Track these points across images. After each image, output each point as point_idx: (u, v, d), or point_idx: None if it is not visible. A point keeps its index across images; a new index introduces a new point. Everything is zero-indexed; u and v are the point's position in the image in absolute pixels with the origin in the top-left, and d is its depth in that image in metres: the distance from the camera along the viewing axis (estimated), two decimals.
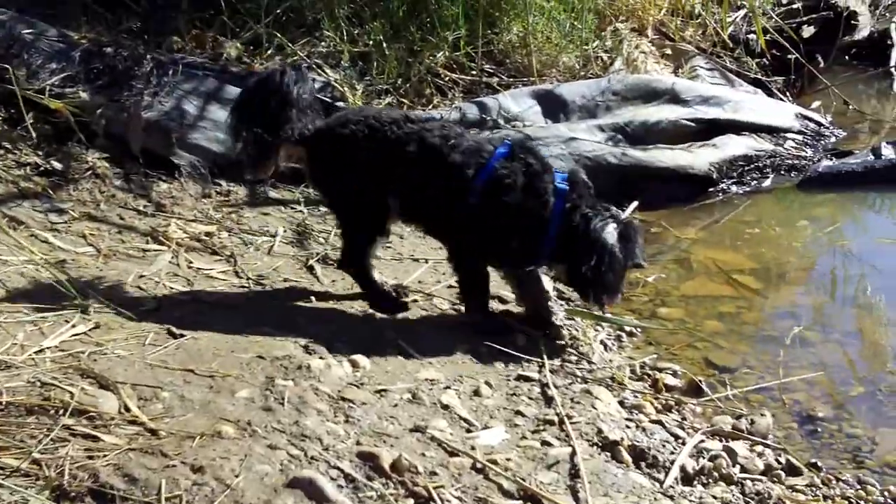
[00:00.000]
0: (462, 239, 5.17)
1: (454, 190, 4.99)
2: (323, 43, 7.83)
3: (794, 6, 10.88)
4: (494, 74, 8.34)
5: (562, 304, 5.79)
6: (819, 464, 4.34)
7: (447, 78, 8.09)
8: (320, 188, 5.55)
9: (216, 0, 7.81)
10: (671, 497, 3.82)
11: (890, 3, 13.07)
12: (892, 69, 10.93)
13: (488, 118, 7.48)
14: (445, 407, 4.27)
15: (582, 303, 5.65)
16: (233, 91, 6.94)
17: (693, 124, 8.10)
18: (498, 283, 5.50)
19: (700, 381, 4.96)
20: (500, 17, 8.40)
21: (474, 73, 8.21)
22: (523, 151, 5.06)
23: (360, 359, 4.59)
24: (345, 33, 7.86)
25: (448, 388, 4.46)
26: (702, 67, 9.30)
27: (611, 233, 4.94)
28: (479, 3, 8.23)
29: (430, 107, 7.73)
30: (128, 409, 3.83)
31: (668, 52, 9.59)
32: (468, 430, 4.13)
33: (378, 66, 7.74)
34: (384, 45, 7.81)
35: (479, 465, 3.79)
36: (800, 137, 8.55)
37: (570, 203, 4.96)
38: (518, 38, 8.47)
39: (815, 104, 9.68)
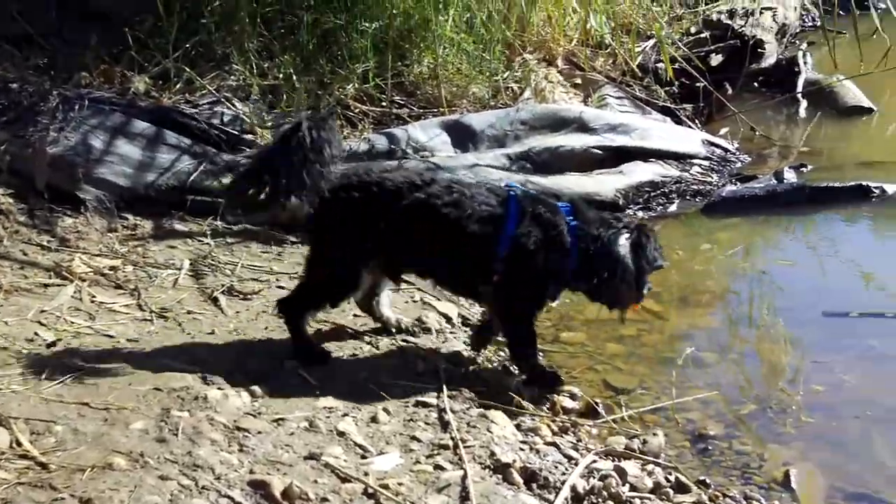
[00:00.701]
0: (497, 298, 5.22)
1: (478, 260, 5.08)
2: (232, 76, 7.88)
3: (703, 35, 11.07)
4: (405, 106, 8.42)
5: (465, 330, 5.86)
6: (708, 481, 4.44)
7: (357, 110, 8.16)
8: (313, 244, 5.40)
9: (124, 35, 7.82)
10: None
11: (798, 31, 13.42)
12: (799, 95, 11.16)
13: (397, 149, 7.55)
14: (342, 434, 4.33)
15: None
16: (140, 126, 7.00)
17: (600, 152, 8.24)
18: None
19: (597, 403, 5.05)
20: (410, 49, 8.50)
21: (384, 104, 8.30)
22: (530, 202, 5.13)
23: (259, 388, 4.63)
24: (254, 66, 7.93)
25: (346, 415, 4.52)
26: (611, 96, 9.46)
27: (622, 245, 5.11)
28: (389, 36, 8.34)
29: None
30: (19, 444, 3.84)
31: (579, 81, 9.72)
32: (363, 457, 4.19)
33: (288, 99, 7.80)
34: (294, 77, 7.88)
35: (370, 491, 3.86)
36: (706, 163, 8.74)
37: (581, 233, 5.09)
38: (428, 69, 8.57)
39: (723, 130, 9.89)
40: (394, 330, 5.56)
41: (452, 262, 5.17)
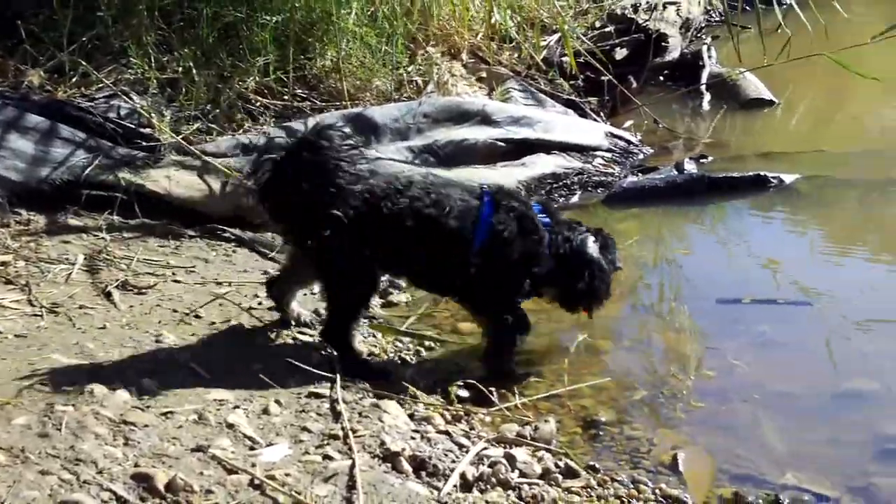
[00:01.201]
0: (472, 291, 5.34)
1: (457, 254, 5.18)
2: (130, 70, 7.78)
3: (608, 29, 11.23)
4: (307, 99, 8.39)
5: (364, 322, 5.84)
6: (597, 465, 4.47)
7: (258, 103, 8.10)
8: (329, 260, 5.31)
9: (18, 29, 7.68)
10: (444, 503, 3.89)
11: (703, 26, 13.60)
12: (703, 88, 11.32)
13: None
14: (231, 426, 4.29)
15: (384, 319, 5.77)
16: (34, 120, 6.88)
17: (504, 144, 8.29)
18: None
19: (491, 391, 5.05)
20: (312, 42, 8.46)
21: (286, 98, 8.25)
22: (504, 196, 5.30)
23: (148, 382, 4.59)
24: (153, 60, 7.83)
25: (237, 407, 4.49)
26: (515, 89, 9.51)
27: (593, 247, 5.38)
28: (291, 29, 8.29)
29: (240, 132, 7.73)
30: None
31: (484, 75, 9.77)
32: (252, 448, 4.15)
33: (187, 93, 7.72)
34: (194, 71, 7.80)
35: (256, 482, 3.83)
36: (609, 155, 8.84)
37: (553, 232, 5.32)
38: (331, 63, 8.54)
39: (627, 123, 10.02)
40: (293, 323, 5.54)
41: (434, 259, 5.26)
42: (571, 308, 5.58)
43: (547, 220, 5.35)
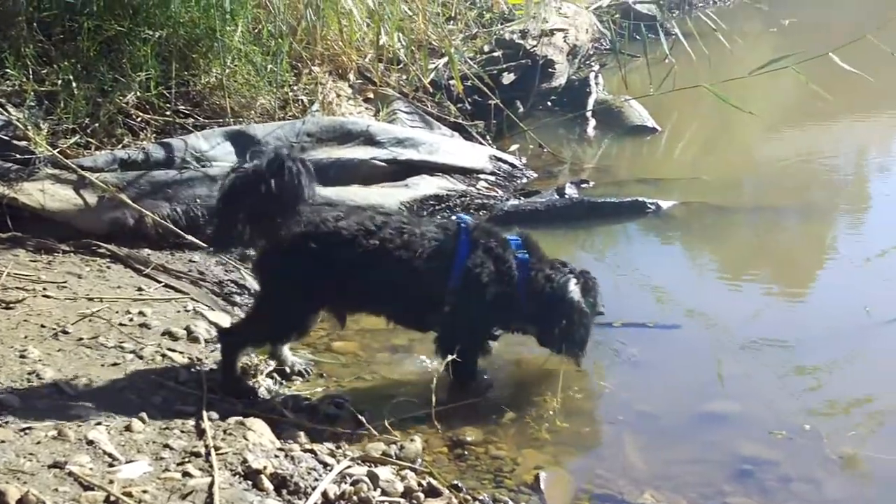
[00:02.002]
0: (446, 329, 5.37)
1: (431, 294, 5.22)
2: (7, 81, 7.64)
3: (496, 54, 11.32)
4: (190, 116, 8.32)
5: None
6: (460, 485, 4.51)
7: (139, 118, 8.02)
8: (269, 287, 5.40)
9: None
10: None
11: (592, 53, 13.82)
12: (588, 114, 11.49)
13: (177, 158, 7.44)
14: (91, 443, 4.24)
15: None
16: None
17: (387, 165, 8.32)
18: None
19: (362, 411, 5.07)
20: (196, 58, 8.40)
21: (168, 114, 8.17)
22: (482, 235, 5.32)
23: (9, 397, 4.53)
24: (31, 72, 7.70)
25: (99, 424, 4.44)
26: (402, 111, 9.56)
27: (575, 290, 5.35)
28: (174, 45, 8.23)
29: (119, 147, 7.64)
30: None
31: (371, 95, 9.82)
32: (111, 465, 4.10)
33: (66, 106, 7.60)
34: (73, 84, 7.68)
35: (112, 498, 3.79)
36: (492, 178, 8.92)
37: (533, 270, 5.33)
38: (216, 79, 8.49)
39: (513, 147, 10.16)
40: (288, 370, 5.61)
41: (407, 300, 5.31)
42: (552, 348, 5.59)
43: (525, 256, 5.37)
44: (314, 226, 5.12)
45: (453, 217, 5.72)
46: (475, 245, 5.26)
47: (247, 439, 4.52)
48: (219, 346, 5.46)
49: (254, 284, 6.57)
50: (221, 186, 5.13)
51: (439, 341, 5.41)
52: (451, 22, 11.90)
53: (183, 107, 8.38)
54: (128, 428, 4.46)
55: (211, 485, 3.99)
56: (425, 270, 5.17)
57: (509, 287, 5.29)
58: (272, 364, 5.61)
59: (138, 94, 8.03)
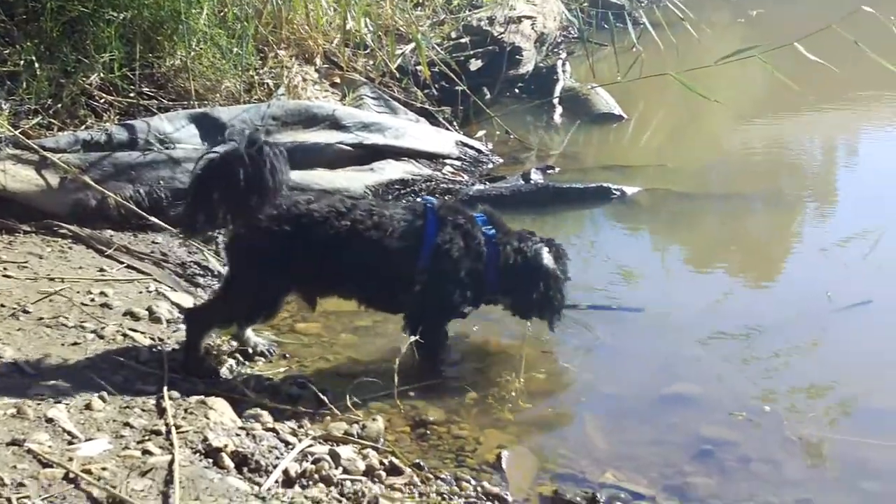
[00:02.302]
0: (416, 308, 5.39)
1: (402, 273, 5.27)
2: None
3: (463, 40, 11.30)
4: (154, 98, 8.27)
5: None
6: (422, 464, 4.51)
7: (102, 100, 7.96)
8: (240, 268, 5.34)
9: None
10: (263, 499, 3.88)
11: (560, 41, 13.83)
12: (556, 101, 11.51)
13: (140, 140, 7.38)
14: (50, 421, 4.21)
15: None
16: None
17: (352, 149, 8.30)
18: None
19: (325, 391, 5.05)
20: (161, 41, 8.34)
21: (132, 95, 8.12)
22: (449, 213, 5.37)
23: None
24: None
25: (58, 402, 4.41)
26: (368, 96, 9.54)
27: (548, 258, 5.57)
28: (139, 26, 8.17)
29: (82, 128, 7.58)
30: None
31: (337, 80, 9.78)
32: (70, 443, 4.08)
33: (28, 86, 7.52)
34: (36, 65, 7.59)
35: (71, 476, 3.76)
36: (458, 163, 8.92)
37: (500, 244, 5.41)
38: (181, 62, 8.43)
39: (480, 133, 10.16)
40: (250, 351, 5.57)
41: (379, 280, 5.33)
42: (526, 317, 5.73)
43: (492, 231, 5.43)
44: (286, 208, 5.13)
45: (419, 199, 5.68)
46: (443, 223, 5.30)
47: (208, 418, 4.51)
48: (183, 326, 5.44)
49: (217, 266, 6.56)
50: (194, 170, 5.11)
51: (408, 319, 5.42)
52: (419, 8, 11.87)
53: (147, 89, 8.33)
54: (88, 406, 4.43)
55: (171, 462, 3.98)
56: (396, 250, 5.20)
57: (479, 262, 5.35)
58: (235, 345, 5.58)
59: (102, 75, 7.97)
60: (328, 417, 4.90)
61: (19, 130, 7.14)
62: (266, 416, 4.75)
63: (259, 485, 4.04)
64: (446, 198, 8.06)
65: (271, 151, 4.88)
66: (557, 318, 5.68)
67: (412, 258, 5.25)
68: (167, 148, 7.42)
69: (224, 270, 6.43)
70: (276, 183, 4.90)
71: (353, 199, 5.50)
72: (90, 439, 4.14)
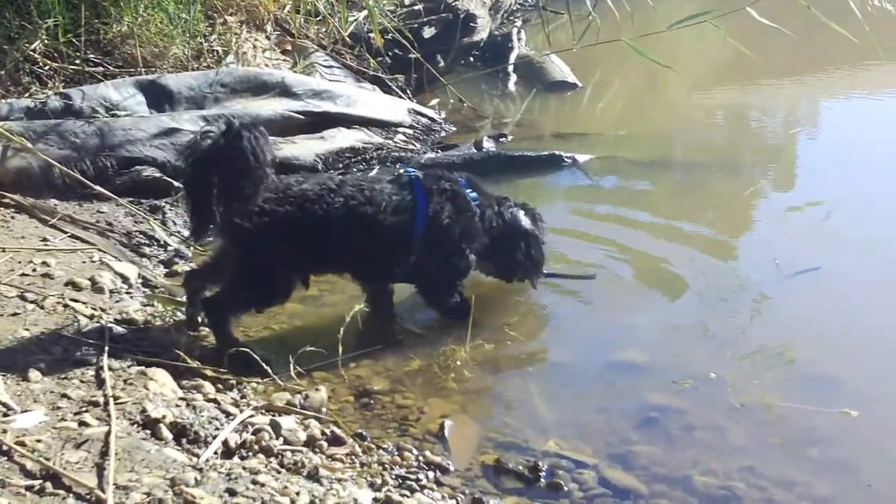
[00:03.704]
0: (422, 277, 5.59)
1: (398, 246, 5.36)
2: None
3: (417, 7, 11.23)
4: (100, 64, 8.16)
5: (145, 291, 5.75)
6: (364, 433, 4.51)
7: (47, 66, 7.83)
8: (246, 254, 5.24)
9: None
10: (200, 470, 3.84)
11: (515, 9, 13.77)
12: (510, 69, 11.48)
13: (86, 108, 7.27)
14: None
15: (165, 289, 5.66)
16: None
17: (302, 117, 8.23)
18: None
19: (268, 360, 5.00)
20: (106, 6, 8.21)
21: (77, 62, 7.99)
22: (432, 181, 5.45)
23: None
24: None
25: None
26: (320, 64, 9.49)
27: (524, 220, 5.83)
28: None
29: (26, 95, 7.46)
30: None
31: (289, 48, 9.70)
32: (5, 415, 4.02)
33: None
34: None
35: (4, 448, 3.71)
36: (410, 131, 8.89)
37: (482, 207, 5.57)
38: (127, 28, 8.31)
39: (434, 101, 10.14)
40: (201, 320, 5.43)
41: (375, 254, 5.37)
42: (509, 279, 5.94)
43: (474, 194, 5.55)
44: (282, 190, 5.13)
45: (400, 171, 5.66)
46: (430, 192, 5.39)
47: (148, 389, 4.47)
48: (126, 296, 5.40)
49: (163, 236, 6.49)
50: (184, 172, 5.10)
51: (428, 295, 5.68)
52: None
53: (93, 55, 8.21)
54: (25, 378, 4.38)
55: (107, 434, 3.93)
56: (391, 224, 5.26)
57: (472, 220, 5.53)
58: (179, 315, 5.52)
59: (46, 41, 7.85)
60: (271, 387, 4.86)
61: None
62: (208, 387, 4.73)
63: (198, 456, 4.01)
64: (397, 166, 8.03)
65: (251, 136, 4.80)
66: (539, 276, 5.92)
67: (409, 229, 5.33)
68: (113, 116, 7.30)
69: (170, 240, 6.39)
70: (262, 166, 4.84)
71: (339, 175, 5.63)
72: (26, 411, 4.08)
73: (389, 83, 10.02)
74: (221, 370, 4.93)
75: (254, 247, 5.13)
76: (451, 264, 5.53)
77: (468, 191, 5.55)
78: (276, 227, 5.06)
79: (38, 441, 3.81)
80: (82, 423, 4.02)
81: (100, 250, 6.08)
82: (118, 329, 5.13)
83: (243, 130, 4.78)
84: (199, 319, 5.43)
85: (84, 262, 5.86)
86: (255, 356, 4.95)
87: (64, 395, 4.28)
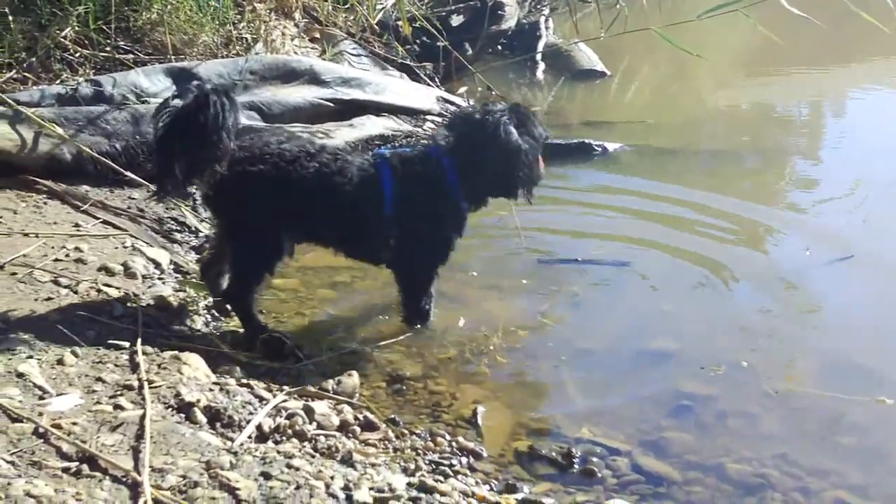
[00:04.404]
0: (397, 263, 5.38)
1: (367, 223, 5.19)
2: None
3: None
4: (130, 52, 8.17)
5: (176, 276, 5.78)
6: (397, 419, 4.51)
7: (78, 53, 7.86)
8: (221, 217, 5.36)
9: None
10: (235, 453, 3.84)
11: None
12: (538, 58, 11.46)
13: (117, 95, 7.29)
14: (21, 375, 4.15)
15: (196, 276, 5.68)
16: None
17: (332, 104, 8.24)
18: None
19: (300, 346, 5.03)
20: None
21: (108, 49, 8.01)
22: (398, 160, 5.22)
23: None
24: None
25: (30, 357, 4.35)
26: (348, 51, 9.48)
27: (512, 132, 5.18)
28: None
29: (58, 81, 7.49)
30: None
31: (317, 35, 9.71)
32: (41, 398, 4.03)
33: (2, 40, 7.42)
34: (9, 17, 7.50)
35: (41, 430, 3.71)
36: (439, 119, 8.86)
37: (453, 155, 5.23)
38: (157, 15, 8.33)
39: (462, 89, 10.14)
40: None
41: (347, 229, 5.23)
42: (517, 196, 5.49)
43: (448, 159, 5.23)
44: (258, 148, 5.09)
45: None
46: (396, 171, 5.18)
47: (181, 373, 4.47)
48: (158, 281, 5.45)
49: (194, 222, 6.52)
50: (154, 130, 5.00)
51: (399, 283, 5.43)
52: None
53: (123, 43, 8.23)
54: (60, 361, 4.38)
55: (143, 417, 3.93)
56: (356, 198, 5.10)
57: (445, 199, 5.25)
58: (210, 299, 5.53)
59: (77, 28, 7.88)
60: (304, 372, 4.87)
61: None
62: (240, 372, 4.73)
63: (232, 440, 4.01)
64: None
65: (217, 100, 4.79)
66: (534, 189, 5.47)
67: (377, 207, 5.15)
68: (144, 103, 7.32)
69: (201, 226, 6.42)
70: (221, 129, 4.81)
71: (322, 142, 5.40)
72: (61, 394, 4.09)
73: (417, 71, 10.02)
74: (254, 355, 4.95)
75: (231, 205, 5.15)
76: (423, 249, 5.33)
77: (441, 155, 5.24)
78: (249, 184, 5.03)
79: (74, 424, 3.82)
80: (117, 407, 4.02)
81: (132, 236, 6.10)
82: (151, 314, 5.15)
83: (211, 94, 4.79)
84: (228, 307, 5.45)
85: (116, 248, 5.87)
86: (288, 341, 4.97)
87: (98, 379, 4.28)
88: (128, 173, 6.77)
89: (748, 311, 5.69)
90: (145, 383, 4.24)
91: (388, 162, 5.20)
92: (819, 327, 5.52)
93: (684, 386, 4.93)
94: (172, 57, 8.18)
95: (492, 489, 4.10)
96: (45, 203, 6.35)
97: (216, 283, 5.42)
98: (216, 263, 5.42)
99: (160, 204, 6.51)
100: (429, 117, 8.84)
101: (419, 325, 5.38)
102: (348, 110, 8.35)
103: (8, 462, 3.49)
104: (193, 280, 5.75)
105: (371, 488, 3.73)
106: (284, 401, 4.43)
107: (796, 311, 5.71)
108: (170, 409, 4.12)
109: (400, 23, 9.96)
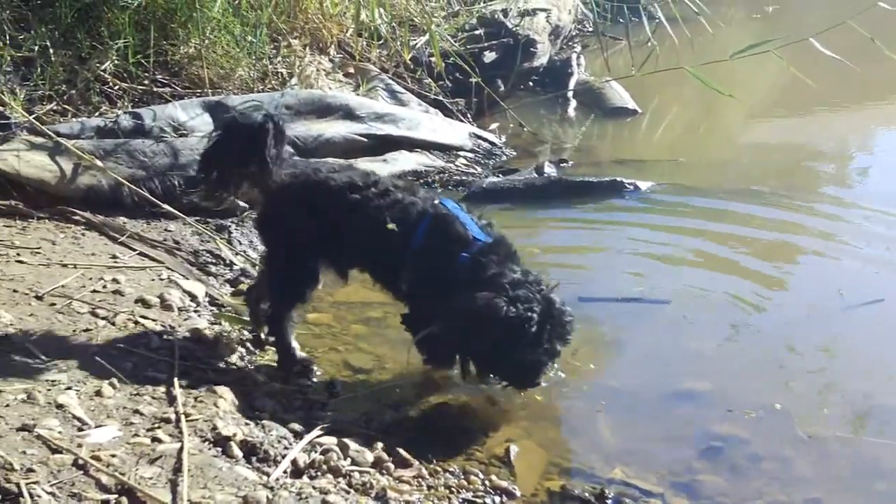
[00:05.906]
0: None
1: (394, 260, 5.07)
2: None
3: (478, 32, 11.26)
4: (168, 85, 8.27)
5: (212, 309, 5.82)
6: (430, 456, 4.52)
7: (116, 86, 7.96)
8: (264, 236, 5.58)
9: None
10: (271, 488, 3.88)
11: (574, 34, 13.80)
12: (570, 95, 11.51)
13: (154, 128, 7.38)
14: (61, 407, 4.21)
15: (232, 308, 5.73)
16: None
17: (366, 139, 8.32)
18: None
19: (334, 381, 5.07)
20: (175, 28, 8.34)
21: (146, 83, 8.11)
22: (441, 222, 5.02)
23: None
24: (7, 37, 7.60)
25: (69, 388, 4.41)
26: (382, 87, 9.54)
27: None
28: (153, 13, 8.17)
29: (97, 114, 7.58)
30: None
31: (351, 70, 9.78)
32: (80, 429, 4.08)
33: (42, 72, 7.53)
34: (50, 50, 7.62)
35: (80, 462, 3.77)
36: (471, 155, 8.95)
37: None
38: (194, 50, 8.43)
39: (493, 126, 10.18)
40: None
41: (379, 259, 5.20)
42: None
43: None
44: (302, 174, 5.20)
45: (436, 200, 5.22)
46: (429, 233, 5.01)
47: (217, 406, 4.52)
48: (194, 314, 5.52)
49: (229, 255, 6.57)
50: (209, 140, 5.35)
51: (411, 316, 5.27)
52: None
53: (161, 76, 8.32)
54: (98, 393, 4.43)
55: (180, 450, 3.99)
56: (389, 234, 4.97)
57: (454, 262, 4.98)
58: (246, 333, 5.58)
59: (116, 62, 7.97)
60: (339, 408, 4.90)
61: (33, 116, 7.17)
62: (275, 405, 4.76)
63: (268, 474, 4.05)
64: (459, 189, 8.11)
65: (272, 123, 5.01)
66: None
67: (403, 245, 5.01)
68: (180, 136, 7.41)
69: (236, 259, 6.47)
70: (270, 149, 4.99)
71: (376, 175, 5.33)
72: (100, 426, 4.14)
73: (450, 107, 10.06)
74: (289, 387, 5.00)
75: (270, 227, 5.33)
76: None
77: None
78: (289, 207, 5.17)
79: (113, 456, 3.87)
80: (155, 440, 4.08)
81: (168, 268, 6.17)
82: (187, 346, 5.20)
83: (269, 119, 5.01)
84: (264, 338, 5.49)
85: (153, 280, 5.93)
86: (323, 377, 5.02)
87: (136, 411, 4.33)
88: (164, 205, 6.85)
89: (781, 353, 5.66)
90: (182, 416, 4.29)
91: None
92: (853, 370, 5.49)
93: (717, 427, 4.92)
94: (209, 91, 8.27)
95: None
96: (83, 234, 6.43)
97: (257, 305, 5.51)
98: (260, 289, 5.54)
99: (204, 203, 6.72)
100: (461, 153, 8.89)
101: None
102: (381, 145, 8.43)
103: (48, 493, 3.55)
104: (228, 313, 5.79)
105: None
106: (319, 436, 4.46)
107: (830, 354, 5.70)
108: (206, 443, 4.17)
109: (433, 59, 10.05)
